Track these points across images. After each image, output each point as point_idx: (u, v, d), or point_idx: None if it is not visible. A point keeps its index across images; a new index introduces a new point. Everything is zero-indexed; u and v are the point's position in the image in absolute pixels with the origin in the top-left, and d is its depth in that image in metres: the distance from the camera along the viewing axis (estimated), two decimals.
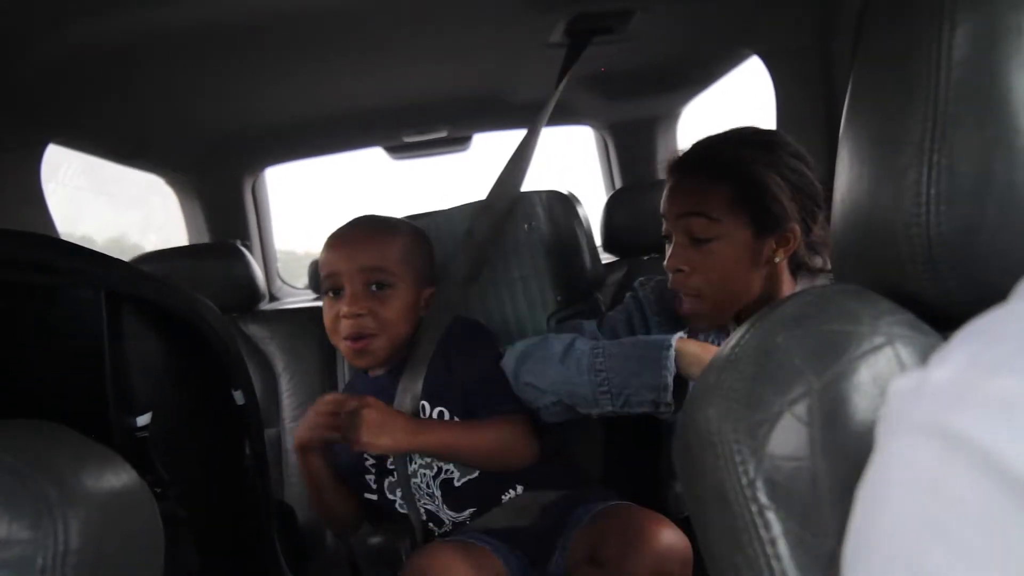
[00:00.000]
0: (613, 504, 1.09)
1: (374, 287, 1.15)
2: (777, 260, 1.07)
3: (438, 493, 1.15)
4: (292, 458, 1.50)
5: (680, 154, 1.15)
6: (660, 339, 1.04)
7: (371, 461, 1.19)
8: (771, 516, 0.40)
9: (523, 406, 1.14)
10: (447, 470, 1.15)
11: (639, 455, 1.35)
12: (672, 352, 1.01)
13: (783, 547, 0.39)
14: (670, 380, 1.00)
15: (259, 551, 0.96)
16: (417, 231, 1.26)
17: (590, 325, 1.23)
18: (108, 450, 0.58)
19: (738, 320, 1.14)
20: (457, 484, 1.14)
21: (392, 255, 1.17)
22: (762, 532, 0.40)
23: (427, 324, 1.15)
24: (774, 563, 0.39)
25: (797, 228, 1.06)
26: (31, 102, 1.29)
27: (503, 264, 1.38)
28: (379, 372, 1.23)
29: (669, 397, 1.00)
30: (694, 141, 1.16)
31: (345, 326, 1.14)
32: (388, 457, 1.16)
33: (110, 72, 1.25)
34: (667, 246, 1.14)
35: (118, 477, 0.55)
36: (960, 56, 0.42)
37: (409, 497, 1.14)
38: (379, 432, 1.03)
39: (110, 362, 0.72)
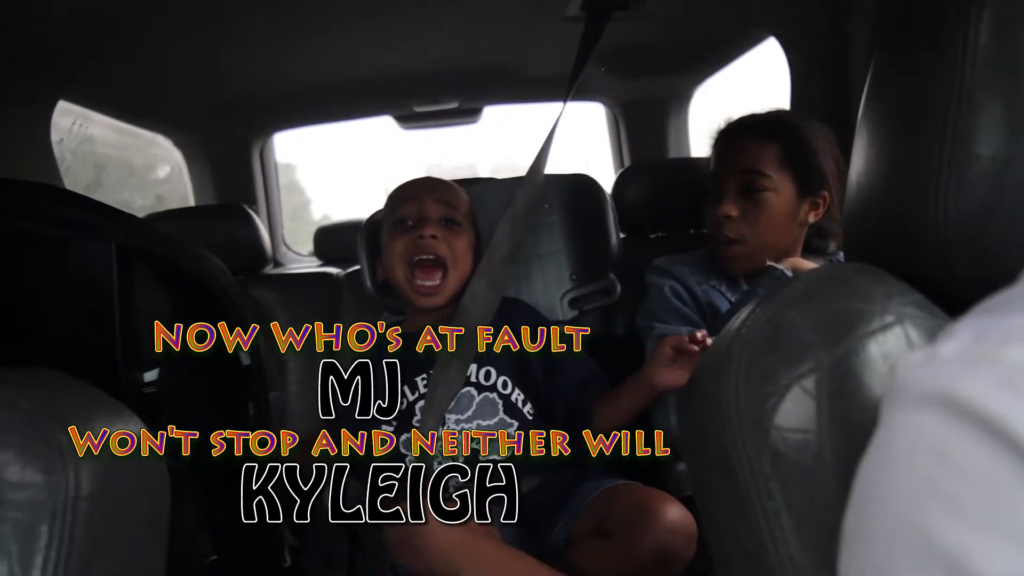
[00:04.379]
0: (621, 483, 1.09)
1: (445, 222, 1.22)
2: (810, 221, 1.20)
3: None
4: (294, 423, 1.51)
5: (729, 122, 1.28)
6: None
7: (393, 415, 1.17)
8: (775, 487, 0.40)
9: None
10: (475, 440, 1.13)
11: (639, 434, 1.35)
12: None
13: (786, 518, 0.40)
14: None
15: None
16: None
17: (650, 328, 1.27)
18: (117, 402, 0.58)
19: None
20: (480, 458, 1.13)
21: (462, 204, 1.27)
22: (766, 503, 0.40)
23: (473, 298, 1.16)
24: (776, 533, 0.40)
25: (827, 195, 1.19)
26: (43, 58, 1.28)
27: None
28: (413, 328, 1.24)
29: None
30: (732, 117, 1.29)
31: (420, 247, 1.18)
32: (414, 414, 1.15)
33: (121, 30, 1.24)
34: (709, 205, 1.25)
35: (128, 428, 0.56)
36: (986, 40, 0.41)
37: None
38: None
39: (119, 316, 0.73)
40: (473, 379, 1.17)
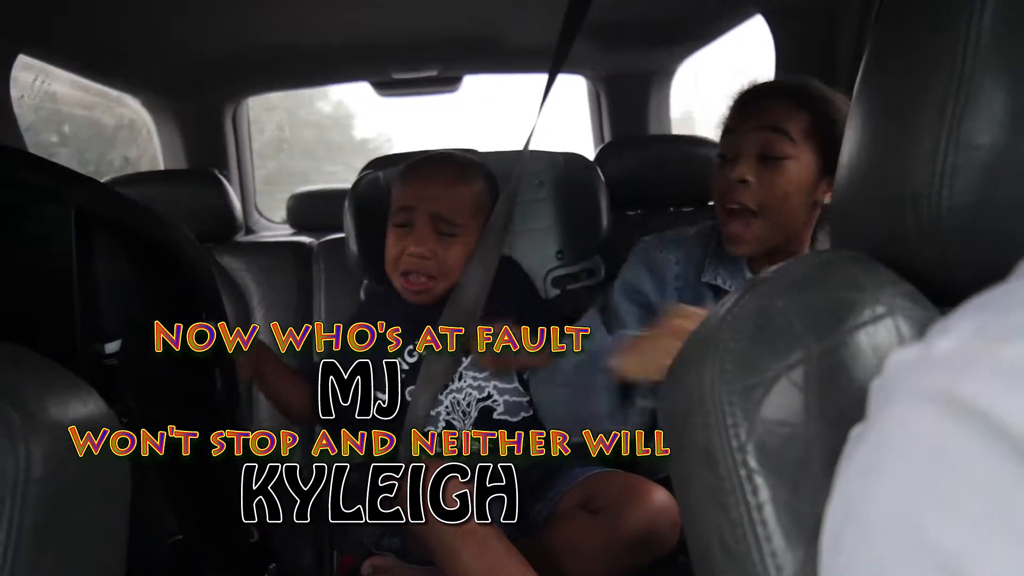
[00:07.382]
0: (608, 470, 1.11)
1: (440, 234, 1.16)
2: (825, 202, 1.07)
3: (474, 414, 1.15)
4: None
5: (755, 82, 1.14)
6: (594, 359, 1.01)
7: (405, 367, 1.17)
8: (760, 481, 0.39)
9: None
10: (493, 399, 1.15)
11: None
12: (606, 377, 0.98)
13: (769, 512, 0.39)
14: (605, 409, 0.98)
15: (226, 485, 0.95)
16: (491, 177, 1.26)
17: (592, 319, 1.17)
18: (74, 376, 0.56)
19: (770, 260, 1.10)
20: (495, 417, 1.14)
21: (464, 206, 1.18)
22: (749, 497, 0.39)
23: (474, 271, 1.13)
24: (759, 528, 0.39)
25: None
26: (0, 8, 1.22)
27: None
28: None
29: (626, 423, 0.98)
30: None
31: (408, 263, 1.15)
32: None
33: None
34: (718, 170, 1.11)
35: (84, 405, 0.53)
36: (991, 24, 0.40)
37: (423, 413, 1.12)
38: None
39: (79, 285, 0.69)
40: None
